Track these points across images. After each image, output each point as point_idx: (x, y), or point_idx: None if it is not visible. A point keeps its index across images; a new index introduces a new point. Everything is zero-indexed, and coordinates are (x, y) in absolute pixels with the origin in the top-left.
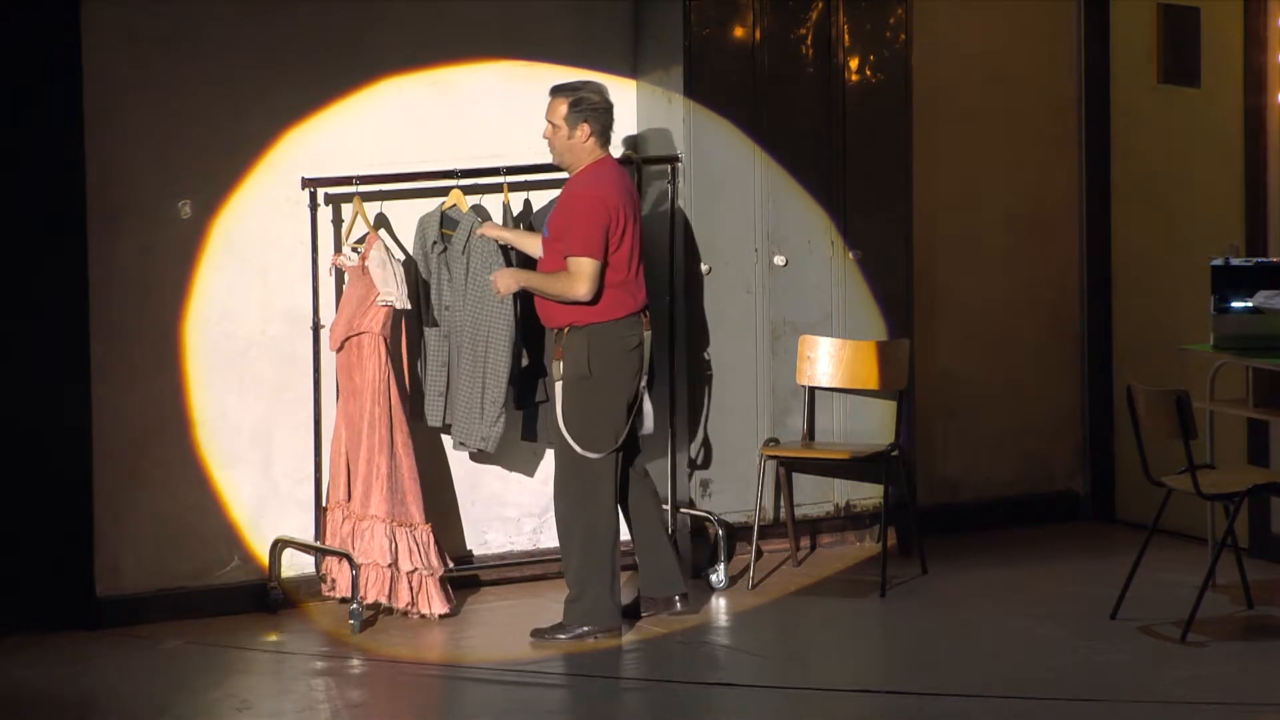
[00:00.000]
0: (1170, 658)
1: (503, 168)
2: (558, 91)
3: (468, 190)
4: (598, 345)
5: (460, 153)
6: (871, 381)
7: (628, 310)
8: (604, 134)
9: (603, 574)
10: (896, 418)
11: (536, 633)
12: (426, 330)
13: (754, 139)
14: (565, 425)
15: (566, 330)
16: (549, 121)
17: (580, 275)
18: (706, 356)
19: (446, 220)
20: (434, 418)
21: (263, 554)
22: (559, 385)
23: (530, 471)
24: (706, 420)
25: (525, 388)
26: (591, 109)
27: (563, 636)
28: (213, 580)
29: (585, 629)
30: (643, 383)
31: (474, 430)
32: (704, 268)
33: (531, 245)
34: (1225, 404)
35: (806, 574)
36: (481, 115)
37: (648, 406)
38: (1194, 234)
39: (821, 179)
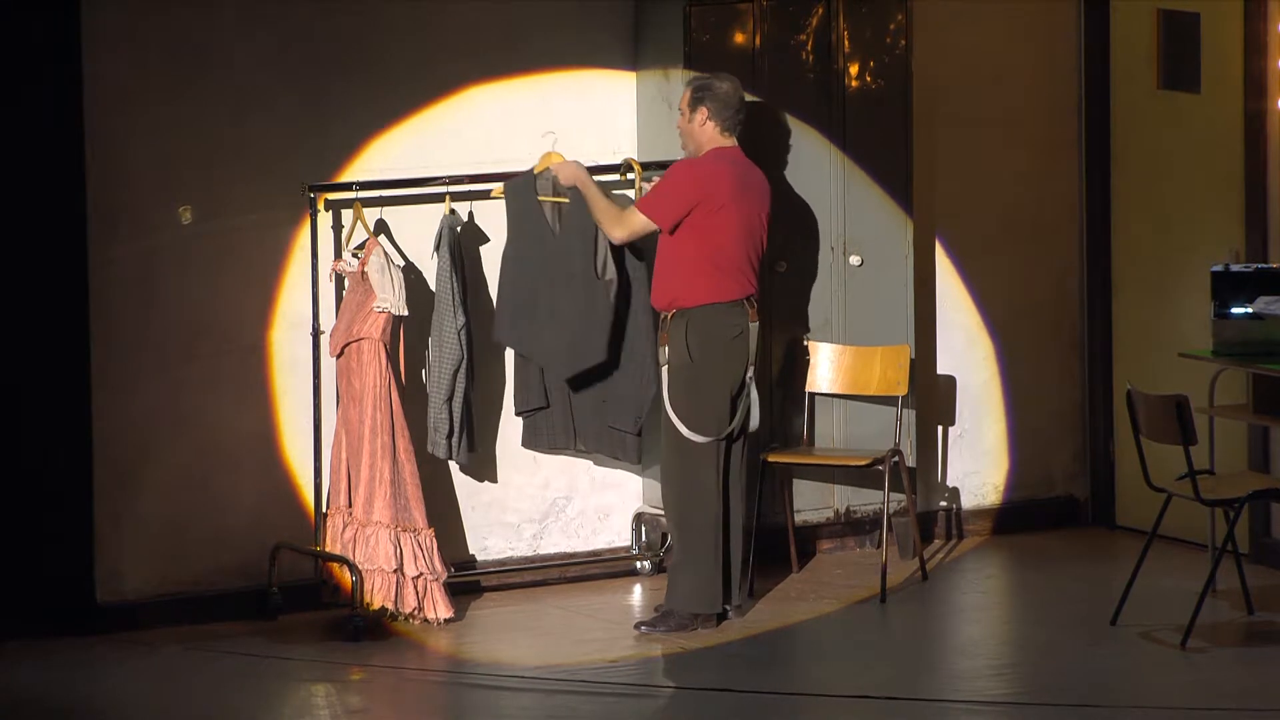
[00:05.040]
0: (1170, 663)
1: (505, 173)
2: (688, 82)
3: (470, 196)
4: (696, 331)
5: (462, 158)
6: (871, 387)
7: (727, 296)
8: (726, 122)
9: (701, 560)
10: (897, 423)
11: (641, 625)
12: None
13: (754, 144)
14: (672, 408)
15: (671, 315)
16: (679, 110)
17: (626, 220)
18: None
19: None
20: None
21: (262, 559)
22: (664, 370)
23: (530, 478)
24: None
25: (526, 394)
26: (713, 96)
27: (659, 629)
28: (213, 586)
29: (683, 615)
30: (749, 374)
31: (440, 439)
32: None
33: (602, 206)
34: (1225, 410)
35: (806, 580)
36: (483, 121)
37: (754, 400)
38: (1194, 239)
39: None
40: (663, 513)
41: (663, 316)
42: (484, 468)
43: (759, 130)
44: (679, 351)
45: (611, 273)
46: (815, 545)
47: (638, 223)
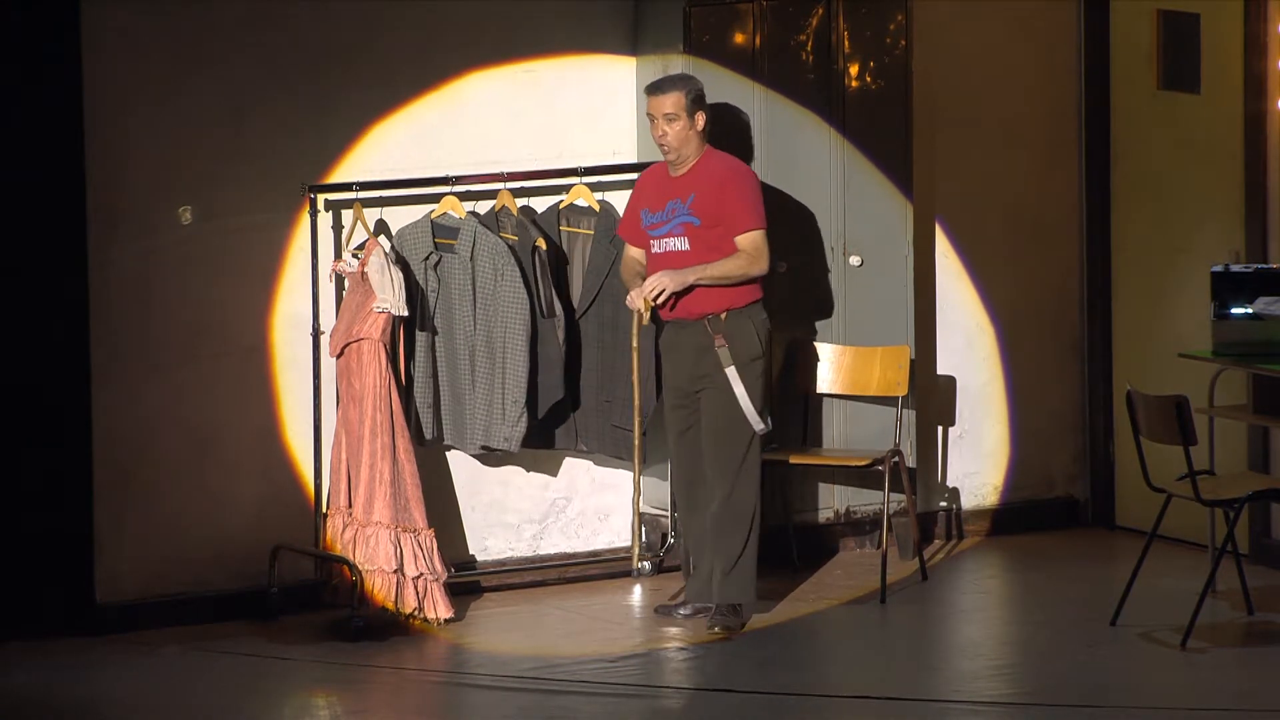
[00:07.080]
0: (1170, 664)
1: (504, 173)
2: (667, 86)
3: (470, 196)
4: (762, 324)
5: (461, 159)
6: (871, 387)
7: (763, 290)
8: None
9: (753, 551)
10: (897, 423)
11: (712, 615)
12: (418, 338)
13: (753, 144)
14: (750, 402)
15: (725, 315)
16: (663, 115)
17: (762, 249)
18: None
19: (440, 229)
20: (427, 430)
21: (262, 559)
22: (732, 370)
23: (530, 478)
24: None
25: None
26: (702, 97)
27: (733, 621)
28: (213, 586)
29: (742, 604)
30: None
31: (496, 431)
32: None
33: (724, 270)
34: (1225, 410)
35: (806, 580)
36: (482, 121)
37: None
38: (1194, 240)
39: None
40: (663, 513)
41: (711, 318)
42: (484, 468)
43: (759, 131)
44: (750, 345)
45: (559, 309)
46: (815, 545)
47: (763, 240)
